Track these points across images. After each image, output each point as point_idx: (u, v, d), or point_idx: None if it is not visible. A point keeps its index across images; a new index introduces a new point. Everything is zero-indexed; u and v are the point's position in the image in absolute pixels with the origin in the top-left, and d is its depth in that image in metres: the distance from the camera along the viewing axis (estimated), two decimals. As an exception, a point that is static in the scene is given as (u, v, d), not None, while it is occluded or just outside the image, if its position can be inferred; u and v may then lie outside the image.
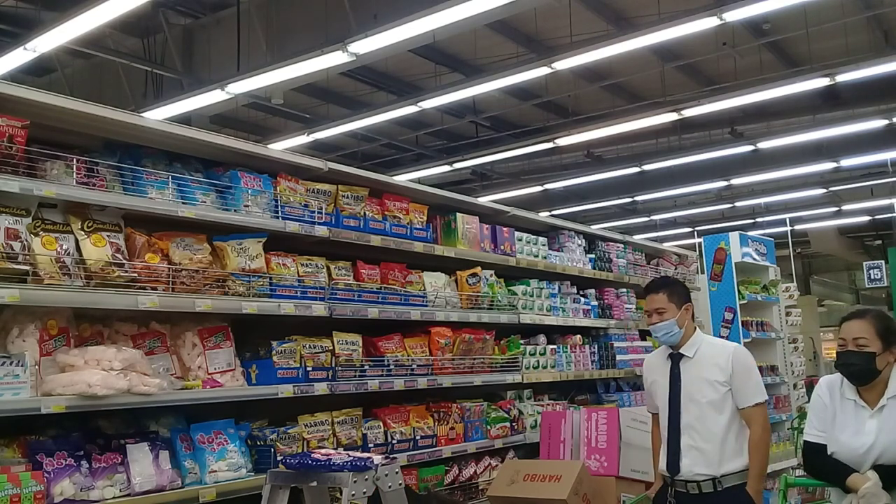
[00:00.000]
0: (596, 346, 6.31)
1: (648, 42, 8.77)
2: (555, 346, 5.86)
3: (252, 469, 3.64)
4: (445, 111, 13.46)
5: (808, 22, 10.27)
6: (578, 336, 6.19)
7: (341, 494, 3.10)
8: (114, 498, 3.12)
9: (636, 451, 4.54)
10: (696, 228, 19.56)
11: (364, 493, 3.07)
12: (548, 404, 5.70)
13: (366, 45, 7.97)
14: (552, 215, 8.32)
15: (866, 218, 20.53)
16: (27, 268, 3.05)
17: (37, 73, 11.17)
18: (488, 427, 5.01)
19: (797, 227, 20.12)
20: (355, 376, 4.24)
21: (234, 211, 3.89)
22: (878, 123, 12.62)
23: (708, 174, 15.52)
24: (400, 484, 3.25)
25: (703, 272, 7.66)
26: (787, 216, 18.58)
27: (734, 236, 7.12)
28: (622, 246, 7.00)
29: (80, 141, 3.56)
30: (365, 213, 4.54)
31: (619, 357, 6.39)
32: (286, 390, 3.86)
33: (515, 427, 5.19)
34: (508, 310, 5.44)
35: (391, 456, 3.85)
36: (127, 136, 3.68)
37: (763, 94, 10.88)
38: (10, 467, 2.93)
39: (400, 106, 10.85)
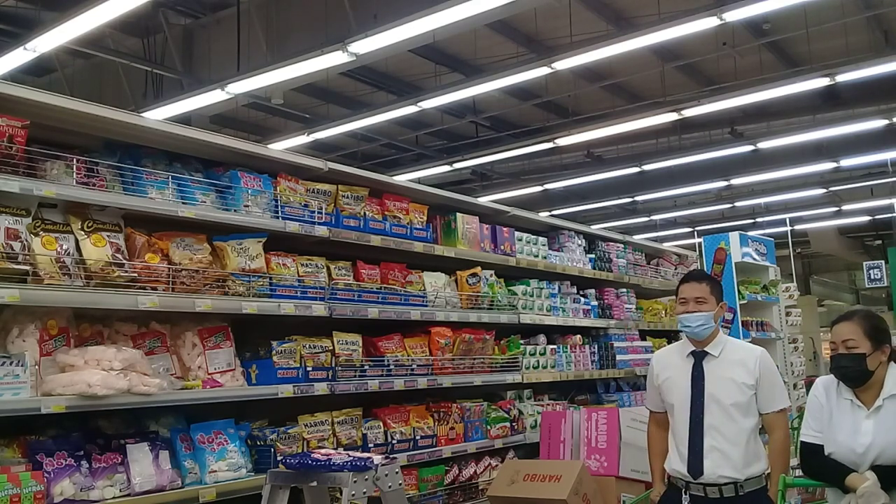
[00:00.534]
0: (596, 346, 6.31)
1: (648, 42, 8.76)
2: (555, 346, 5.86)
3: (252, 469, 3.64)
4: (445, 111, 13.45)
5: (808, 22, 10.27)
6: (578, 336, 6.20)
7: (341, 494, 3.10)
8: (114, 498, 3.12)
9: (636, 451, 4.52)
10: (696, 228, 19.55)
11: (364, 493, 3.08)
12: (548, 404, 5.70)
13: (366, 45, 7.97)
14: (552, 215, 8.33)
15: (866, 218, 20.53)
16: (27, 268, 3.05)
17: (37, 73, 11.17)
18: (488, 427, 5.01)
19: (797, 227, 20.11)
20: (355, 376, 4.25)
21: (234, 211, 3.89)
22: (878, 123, 12.61)
23: (708, 174, 15.52)
24: (400, 484, 3.25)
25: (703, 272, 7.66)
26: (787, 216, 18.57)
27: (734, 236, 7.13)
28: (622, 246, 7.01)
29: (80, 141, 3.56)
30: (365, 213, 4.54)
31: (619, 357, 6.39)
32: (286, 390, 3.86)
33: (515, 427, 5.19)
34: (508, 310, 5.44)
35: (391, 456, 3.85)
36: (127, 136, 3.69)
37: (763, 94, 10.88)
38: (10, 467, 2.93)
39: (400, 106, 10.85)
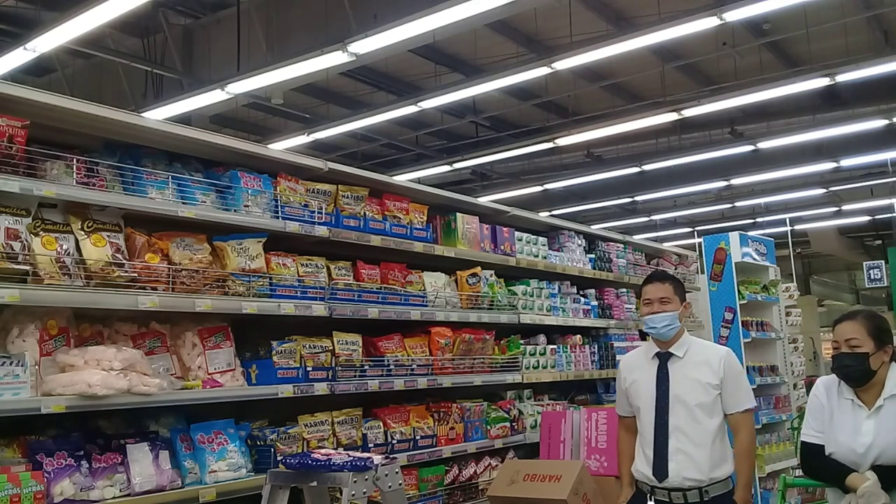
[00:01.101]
0: (596, 346, 6.31)
1: (648, 42, 8.77)
2: (555, 346, 5.86)
3: (252, 469, 3.64)
4: (445, 111, 13.46)
5: (808, 22, 10.28)
6: (578, 336, 6.19)
7: (341, 494, 3.10)
8: (114, 498, 3.12)
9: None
10: (696, 228, 19.57)
11: (364, 493, 3.08)
12: (548, 404, 5.70)
13: (366, 45, 7.97)
14: (552, 215, 8.32)
15: (866, 218, 20.53)
16: (27, 268, 3.05)
17: (37, 73, 11.17)
18: (488, 427, 5.01)
19: (797, 227, 20.12)
20: (355, 376, 4.24)
21: (234, 211, 3.89)
22: (878, 123, 12.62)
23: (708, 174, 15.53)
24: (400, 484, 3.25)
25: (703, 272, 7.66)
26: (787, 216, 18.58)
27: (734, 236, 7.11)
28: (622, 246, 7.00)
29: (80, 141, 3.56)
30: (365, 213, 4.54)
31: (619, 357, 6.37)
32: (286, 390, 3.86)
33: (515, 427, 5.19)
34: (508, 310, 5.44)
35: (391, 456, 3.85)
36: (127, 136, 3.68)
37: (763, 94, 10.88)
38: (10, 467, 2.93)
39: (400, 106, 10.86)
